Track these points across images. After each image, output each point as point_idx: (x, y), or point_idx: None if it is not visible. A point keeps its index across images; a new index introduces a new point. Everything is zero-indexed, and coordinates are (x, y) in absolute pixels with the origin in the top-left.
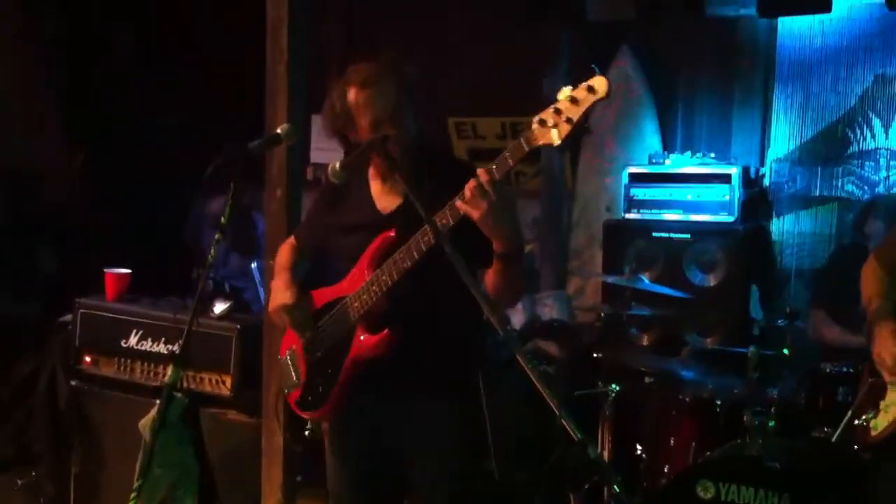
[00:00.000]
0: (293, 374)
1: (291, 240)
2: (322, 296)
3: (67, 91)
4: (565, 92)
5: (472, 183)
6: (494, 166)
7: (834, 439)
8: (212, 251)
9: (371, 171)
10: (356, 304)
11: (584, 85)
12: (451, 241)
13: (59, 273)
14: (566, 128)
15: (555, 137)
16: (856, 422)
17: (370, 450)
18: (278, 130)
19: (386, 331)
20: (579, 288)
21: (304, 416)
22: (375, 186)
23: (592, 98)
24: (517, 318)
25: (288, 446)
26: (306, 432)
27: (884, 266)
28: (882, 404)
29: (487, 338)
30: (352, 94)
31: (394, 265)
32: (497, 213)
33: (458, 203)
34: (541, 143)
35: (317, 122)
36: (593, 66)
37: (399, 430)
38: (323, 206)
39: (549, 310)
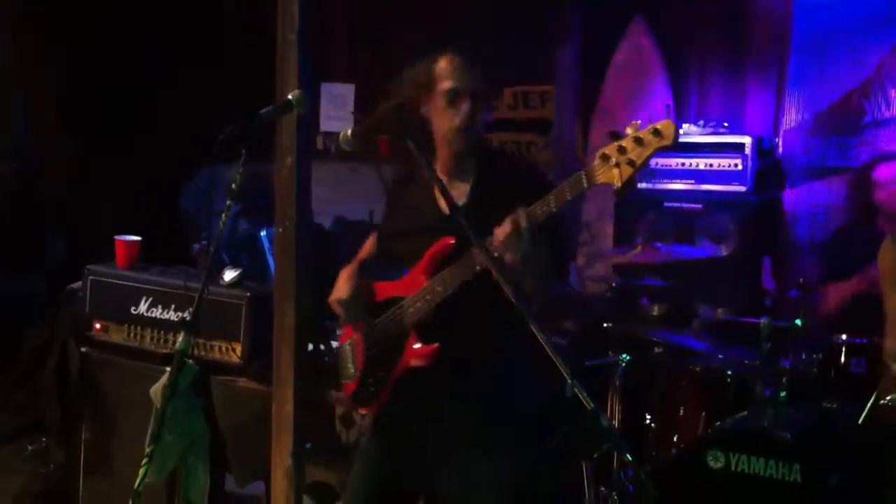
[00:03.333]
0: (350, 365)
1: (373, 234)
2: (384, 290)
3: (67, 65)
4: (633, 129)
5: (506, 226)
6: (539, 208)
7: (860, 421)
8: (222, 218)
9: (438, 165)
10: (410, 310)
11: (650, 127)
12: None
13: (69, 243)
14: (628, 171)
15: (616, 178)
16: (881, 402)
17: (403, 445)
18: (289, 97)
19: (436, 345)
20: (591, 259)
21: (358, 409)
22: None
23: (657, 142)
24: None
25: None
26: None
27: None
28: None
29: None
30: (443, 60)
31: (451, 275)
32: (525, 263)
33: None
34: (601, 181)
35: (326, 91)
36: (667, 105)
37: (439, 434)
38: (392, 199)
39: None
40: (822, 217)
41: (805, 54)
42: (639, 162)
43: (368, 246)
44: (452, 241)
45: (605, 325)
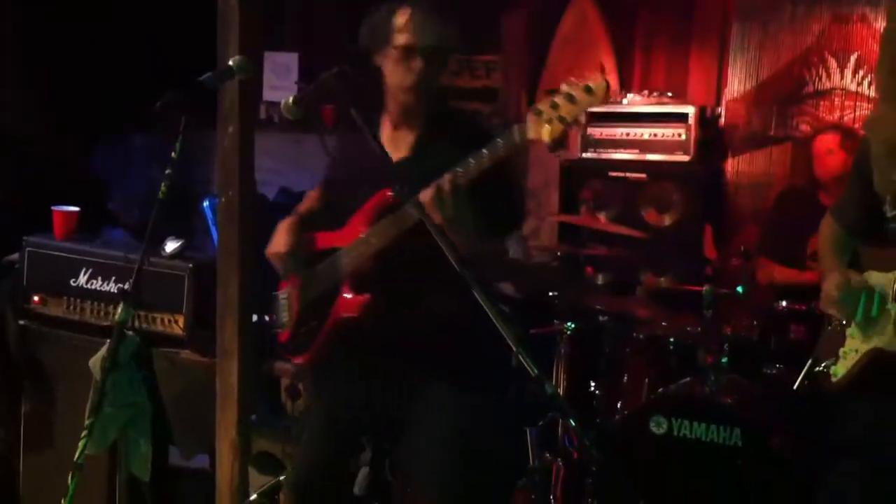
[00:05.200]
0: (285, 314)
1: (317, 187)
2: (323, 240)
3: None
4: (565, 86)
5: (430, 189)
6: (469, 165)
7: (795, 387)
8: (162, 188)
9: (386, 116)
10: (346, 260)
11: (581, 84)
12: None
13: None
14: (559, 127)
15: (545, 135)
16: (816, 369)
17: (347, 400)
18: (230, 63)
19: (367, 296)
20: (535, 228)
21: (290, 358)
22: (386, 132)
23: (589, 101)
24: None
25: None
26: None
27: (840, 223)
28: (841, 351)
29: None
30: (401, 12)
31: (387, 227)
32: (449, 227)
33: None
34: (532, 137)
35: (270, 60)
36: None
37: (381, 388)
38: (337, 153)
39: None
40: (763, 186)
41: (747, 23)
42: (569, 119)
43: (310, 200)
44: (391, 193)
45: (550, 293)
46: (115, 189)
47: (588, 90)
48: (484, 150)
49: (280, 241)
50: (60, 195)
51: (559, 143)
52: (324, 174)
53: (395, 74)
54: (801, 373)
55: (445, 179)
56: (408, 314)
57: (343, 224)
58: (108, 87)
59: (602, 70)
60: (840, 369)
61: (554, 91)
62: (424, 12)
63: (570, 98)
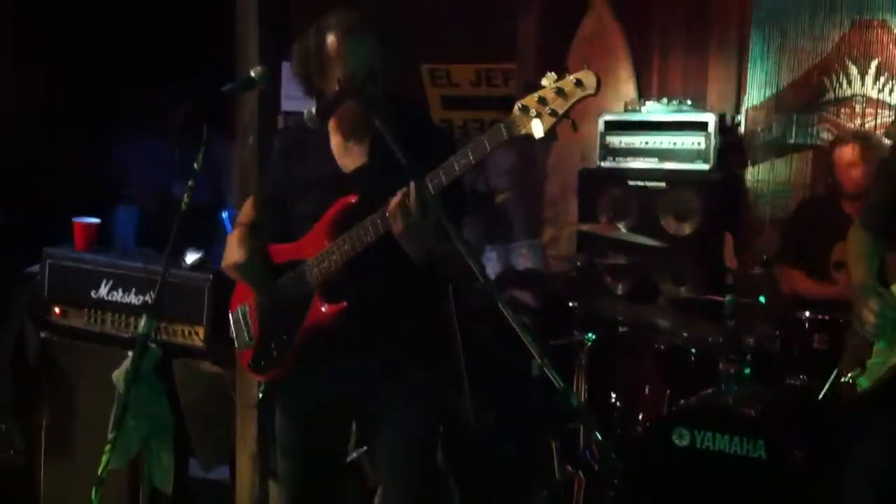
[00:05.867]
0: (245, 332)
1: (251, 198)
2: (280, 253)
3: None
4: (550, 80)
5: (396, 197)
6: (451, 163)
7: (820, 397)
8: (185, 199)
9: (332, 124)
10: (314, 271)
11: (571, 77)
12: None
13: (25, 224)
14: (550, 120)
15: (537, 129)
16: (842, 379)
17: (320, 405)
18: (251, 73)
19: (344, 303)
20: (554, 237)
21: (256, 377)
22: (336, 141)
23: (580, 93)
24: (492, 267)
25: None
26: (259, 395)
27: (868, 230)
28: (868, 363)
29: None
30: (330, 41)
31: (356, 236)
32: (411, 236)
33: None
34: (522, 132)
35: (287, 70)
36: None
37: (352, 391)
38: (281, 159)
39: (524, 259)
40: (783, 195)
41: (766, 30)
42: (561, 112)
43: (248, 210)
44: (354, 200)
45: (569, 303)
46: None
47: (578, 83)
48: (468, 149)
49: (234, 252)
50: (79, 204)
51: (549, 136)
52: (266, 182)
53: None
54: (824, 383)
55: (409, 189)
56: (379, 314)
57: (296, 234)
58: (122, 90)
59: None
60: (866, 381)
61: (535, 86)
62: (353, 35)
63: (560, 92)
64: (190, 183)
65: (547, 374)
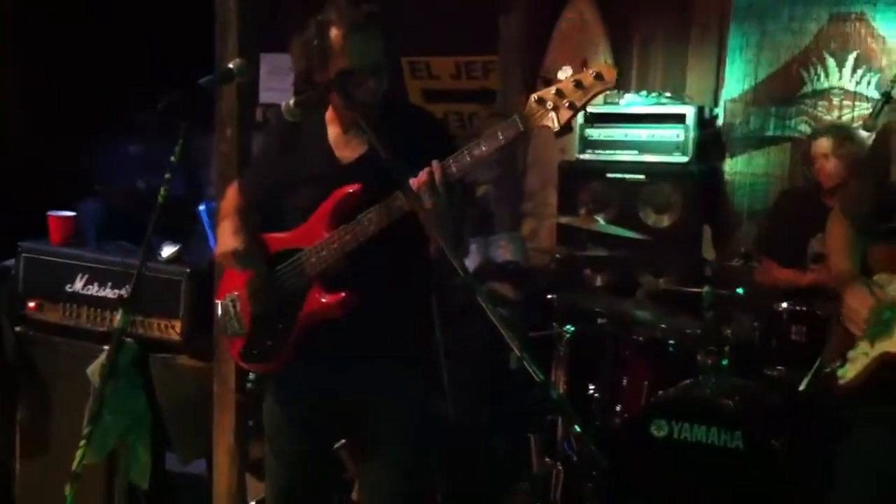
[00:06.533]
0: (236, 321)
1: (237, 185)
2: (275, 242)
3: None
4: (568, 74)
5: (421, 176)
6: (466, 152)
7: (802, 388)
8: (161, 192)
9: (329, 116)
10: (313, 260)
11: (591, 71)
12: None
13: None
14: (567, 113)
15: (553, 122)
16: (824, 370)
17: (314, 400)
18: (230, 65)
19: (344, 293)
20: (534, 230)
21: (250, 368)
22: (334, 132)
23: (600, 86)
24: (471, 259)
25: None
26: (248, 384)
27: (849, 219)
28: (850, 354)
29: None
30: (335, 35)
31: (359, 227)
32: (439, 216)
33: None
34: (539, 125)
35: (267, 62)
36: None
37: (351, 385)
38: (274, 151)
39: (504, 252)
40: (761, 187)
41: (745, 23)
42: (580, 105)
43: (234, 198)
44: (358, 189)
45: (548, 296)
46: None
47: (599, 77)
48: (481, 141)
49: (232, 240)
50: (55, 199)
51: (567, 128)
52: (249, 174)
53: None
54: (804, 374)
55: (436, 166)
56: (378, 305)
57: (289, 224)
58: (102, 89)
59: (585, 65)
60: (849, 372)
61: (550, 80)
62: (358, 29)
63: (579, 84)
64: (167, 176)
65: (526, 366)
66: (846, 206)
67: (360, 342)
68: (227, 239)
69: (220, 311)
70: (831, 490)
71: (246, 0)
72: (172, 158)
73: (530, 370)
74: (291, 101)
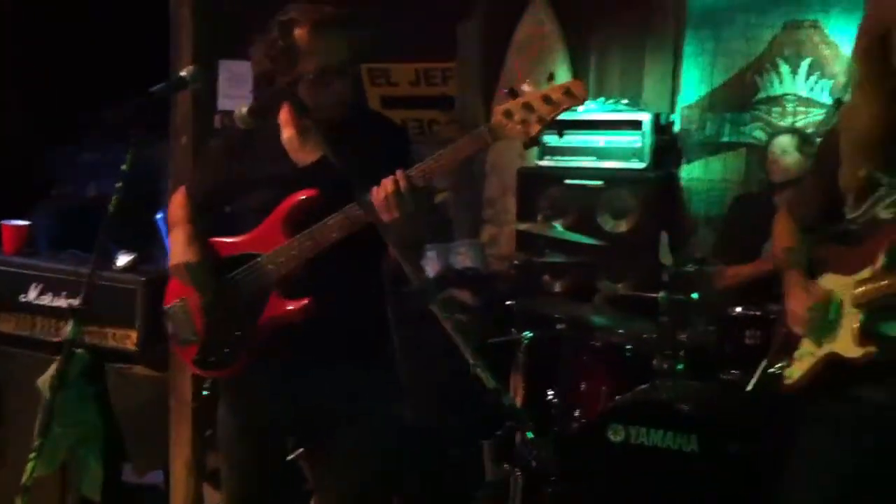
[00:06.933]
0: (188, 328)
1: (184, 191)
2: (226, 247)
3: None
4: (535, 88)
5: (388, 185)
6: (431, 162)
7: (749, 388)
8: (112, 201)
9: (283, 118)
10: (271, 267)
11: (560, 86)
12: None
13: None
14: (536, 127)
15: (522, 134)
16: (770, 370)
17: (271, 407)
18: (183, 73)
19: (307, 299)
20: (493, 236)
21: (206, 375)
22: (288, 134)
23: (569, 102)
24: (431, 266)
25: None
26: (204, 392)
27: (796, 220)
28: (796, 353)
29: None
30: (301, 34)
31: (322, 233)
32: (406, 225)
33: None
34: (510, 135)
35: (225, 69)
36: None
37: (309, 391)
38: (224, 156)
39: (463, 258)
40: (717, 192)
41: (701, 31)
42: (548, 119)
43: (181, 204)
44: (314, 195)
45: (507, 302)
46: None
47: (568, 93)
48: (448, 150)
49: (185, 251)
50: (8, 207)
51: (535, 141)
52: (195, 178)
53: (313, 97)
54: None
55: (401, 175)
56: (336, 310)
57: (240, 229)
58: (57, 95)
59: (551, 78)
60: (795, 372)
61: (516, 92)
62: (325, 27)
63: (548, 99)
64: (118, 184)
65: (489, 375)
66: (793, 205)
67: (319, 348)
68: (180, 250)
69: (169, 318)
70: (781, 492)
71: (201, 6)
72: (124, 167)
73: (482, 377)
74: (244, 109)
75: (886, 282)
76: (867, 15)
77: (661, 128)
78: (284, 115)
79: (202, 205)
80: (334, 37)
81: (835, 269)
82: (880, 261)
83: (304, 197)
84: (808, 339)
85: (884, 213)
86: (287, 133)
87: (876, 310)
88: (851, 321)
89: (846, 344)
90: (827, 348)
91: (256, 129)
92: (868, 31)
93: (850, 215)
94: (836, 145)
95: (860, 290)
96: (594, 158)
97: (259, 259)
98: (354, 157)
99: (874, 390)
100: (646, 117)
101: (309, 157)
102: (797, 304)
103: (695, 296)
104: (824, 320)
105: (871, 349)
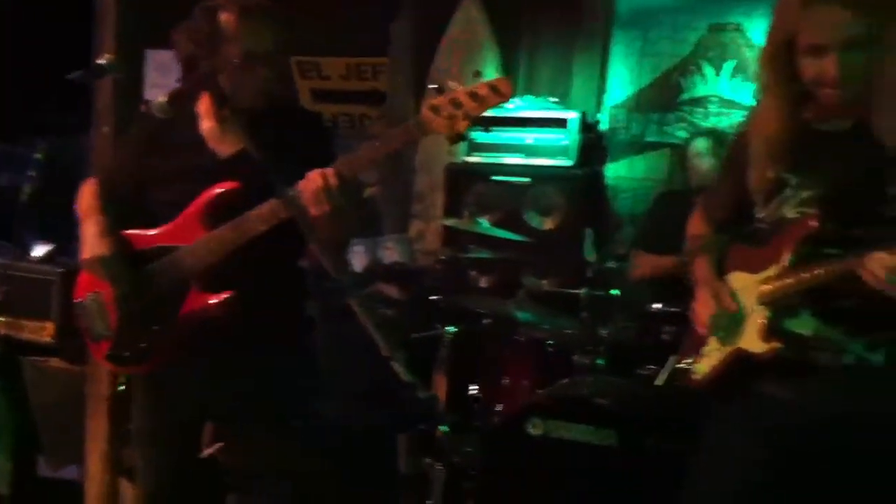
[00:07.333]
0: (101, 323)
1: (95, 182)
2: (141, 240)
3: None
4: (463, 85)
5: (317, 180)
6: (359, 154)
7: (658, 382)
8: (26, 191)
9: (202, 108)
10: (190, 260)
11: (487, 82)
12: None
13: None
14: (464, 123)
15: (450, 129)
16: (678, 366)
17: (189, 402)
18: (101, 61)
19: (229, 292)
20: (421, 231)
21: (121, 371)
22: (208, 126)
23: (496, 99)
24: (359, 261)
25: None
26: (120, 387)
27: (709, 221)
28: (704, 349)
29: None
30: (226, 19)
31: (243, 226)
32: (336, 219)
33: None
34: (437, 131)
35: (152, 58)
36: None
37: (228, 386)
38: (140, 146)
39: (391, 253)
40: (641, 191)
41: (627, 31)
42: (475, 115)
43: (92, 195)
44: (235, 187)
45: (433, 297)
46: None
47: (494, 89)
48: (375, 143)
49: (98, 244)
50: None
51: (461, 137)
52: (109, 168)
53: (235, 84)
54: (673, 372)
55: (330, 171)
56: (256, 304)
57: (156, 221)
58: None
59: (478, 75)
60: (703, 367)
61: (442, 88)
62: (251, 12)
63: (474, 96)
64: (32, 174)
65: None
66: (706, 206)
67: (237, 342)
68: (91, 243)
69: (80, 312)
70: (688, 488)
71: None
72: (38, 156)
73: (399, 372)
74: (164, 98)
75: (791, 280)
76: (772, 22)
77: (588, 126)
78: (204, 106)
79: (115, 196)
80: (260, 24)
81: (743, 268)
82: (786, 259)
83: (224, 189)
84: (714, 339)
85: (790, 213)
86: (206, 124)
87: (781, 307)
88: (757, 318)
89: (752, 340)
90: (733, 344)
91: (175, 119)
92: (773, 36)
93: (759, 215)
94: (745, 147)
95: (766, 287)
96: (522, 155)
97: (177, 251)
98: (275, 149)
99: (779, 386)
100: (573, 116)
101: (229, 149)
102: (702, 308)
103: (615, 292)
104: (729, 323)
105: (776, 345)
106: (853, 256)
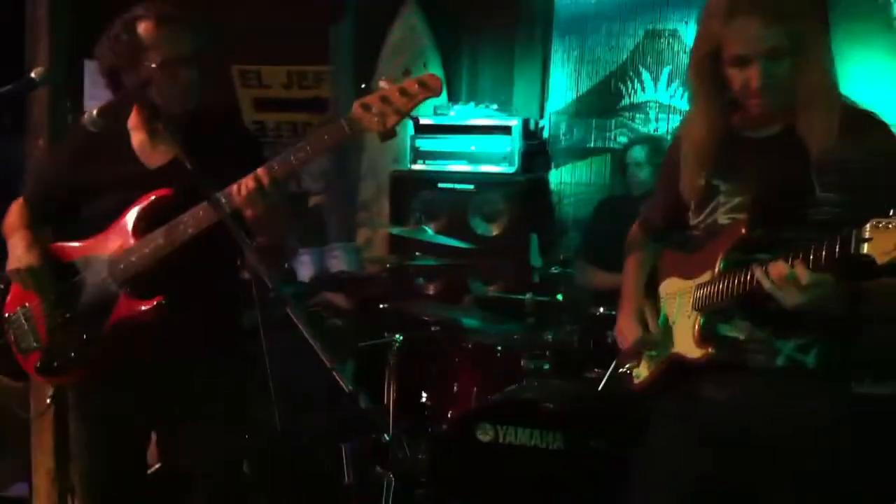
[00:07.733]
0: (31, 335)
1: (21, 201)
2: (72, 251)
3: None
4: (393, 81)
5: (248, 182)
6: (292, 154)
7: (600, 387)
8: None
9: (132, 122)
10: (122, 267)
11: (416, 79)
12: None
13: None
14: (394, 119)
15: (379, 125)
16: (620, 370)
17: (122, 413)
18: (32, 74)
19: (159, 297)
20: (368, 239)
21: (50, 381)
22: (139, 138)
23: (425, 94)
24: (306, 270)
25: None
26: (49, 400)
27: (647, 229)
28: (644, 354)
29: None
30: (144, 28)
31: (175, 231)
32: (270, 219)
33: (235, 194)
34: (367, 127)
35: (91, 69)
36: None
37: (162, 395)
38: (71, 159)
39: (338, 261)
40: (584, 196)
41: (567, 38)
42: (405, 111)
43: (19, 212)
44: (168, 194)
45: (380, 305)
46: None
47: (423, 85)
48: (306, 143)
49: (23, 256)
50: None
51: (392, 133)
52: (37, 184)
53: (161, 91)
54: (618, 375)
55: (262, 172)
56: (190, 310)
57: (87, 232)
58: None
59: (407, 73)
60: (643, 371)
61: (370, 89)
62: (168, 19)
63: (404, 92)
64: None
65: (348, 379)
66: (645, 215)
67: (171, 348)
68: (18, 254)
69: (10, 326)
70: (629, 491)
71: (59, 7)
72: None
73: (340, 381)
74: (94, 111)
75: (721, 285)
76: (697, 32)
77: (531, 133)
78: (134, 119)
79: (43, 211)
80: (178, 29)
81: (677, 274)
82: (719, 265)
83: (155, 197)
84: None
85: (723, 219)
86: (137, 137)
87: (714, 312)
88: (692, 323)
89: (688, 345)
90: (671, 349)
91: (106, 131)
92: (699, 47)
93: (693, 222)
94: (678, 155)
95: (700, 293)
96: (465, 162)
97: (107, 259)
98: (205, 156)
99: (714, 389)
100: (515, 122)
101: (161, 159)
102: (628, 332)
103: (559, 297)
104: (657, 341)
105: (710, 350)
106: (757, 265)
